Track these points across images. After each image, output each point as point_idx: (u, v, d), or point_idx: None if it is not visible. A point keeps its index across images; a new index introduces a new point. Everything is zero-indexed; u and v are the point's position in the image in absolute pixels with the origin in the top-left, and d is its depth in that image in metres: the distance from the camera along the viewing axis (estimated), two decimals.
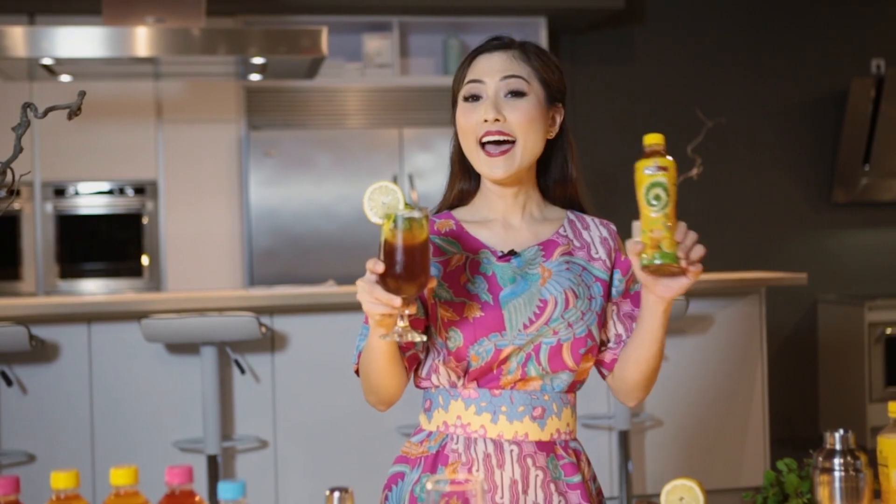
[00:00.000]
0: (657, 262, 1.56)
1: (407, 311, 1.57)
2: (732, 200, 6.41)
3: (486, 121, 1.73)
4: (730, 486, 4.51)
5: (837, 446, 1.61)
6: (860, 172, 6.42)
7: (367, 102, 5.93)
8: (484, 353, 1.71)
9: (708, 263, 5.68)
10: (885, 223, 6.67)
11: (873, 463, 1.62)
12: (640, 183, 1.58)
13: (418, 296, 1.61)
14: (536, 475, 1.72)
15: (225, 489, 1.19)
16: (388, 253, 1.54)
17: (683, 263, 1.57)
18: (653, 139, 1.59)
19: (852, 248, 6.62)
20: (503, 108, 1.74)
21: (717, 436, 4.60)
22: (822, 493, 1.61)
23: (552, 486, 1.73)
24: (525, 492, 1.71)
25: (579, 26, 6.19)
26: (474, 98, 1.77)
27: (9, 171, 1.56)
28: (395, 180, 5.68)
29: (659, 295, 1.63)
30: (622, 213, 5.83)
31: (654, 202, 1.56)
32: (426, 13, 5.88)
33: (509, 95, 1.75)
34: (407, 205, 1.57)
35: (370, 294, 1.55)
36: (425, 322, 1.75)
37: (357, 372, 1.81)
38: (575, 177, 1.87)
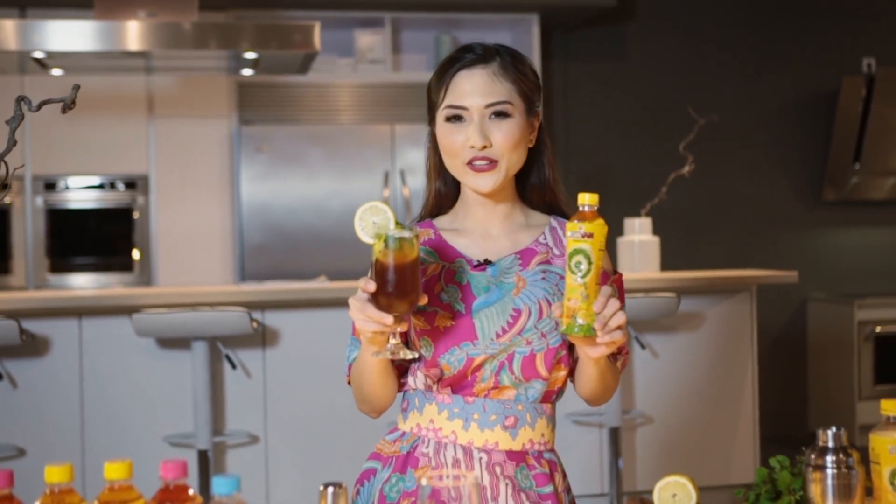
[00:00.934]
0: (571, 332, 1.56)
1: (399, 329, 1.61)
2: (723, 198, 6.42)
3: (472, 147, 1.73)
4: (719, 483, 4.52)
5: (830, 444, 1.62)
6: (850, 171, 6.44)
7: (359, 98, 5.92)
8: (456, 362, 1.71)
9: (699, 261, 5.66)
10: (875, 222, 6.69)
11: (864, 460, 1.63)
12: (567, 245, 1.57)
13: (409, 313, 1.63)
14: (506, 484, 1.72)
15: (220, 484, 1.19)
16: (380, 272, 1.58)
17: (599, 335, 1.55)
18: (584, 199, 1.56)
19: (842, 246, 6.64)
20: (489, 132, 1.73)
21: (708, 433, 4.61)
22: (814, 490, 1.61)
23: (522, 496, 1.73)
24: (494, 499, 1.71)
25: (571, 23, 6.19)
26: (457, 118, 1.75)
27: (3, 165, 1.55)
28: (386, 177, 5.68)
29: (583, 354, 1.67)
30: (613, 211, 5.80)
31: (575, 269, 1.55)
32: (418, 9, 5.87)
33: (493, 116, 1.74)
34: (398, 224, 1.59)
35: (362, 312, 1.58)
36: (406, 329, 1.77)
37: (349, 382, 1.83)
38: (553, 180, 1.85)
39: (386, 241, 1.57)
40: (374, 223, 1.59)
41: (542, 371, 1.72)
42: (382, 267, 1.57)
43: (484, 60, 1.76)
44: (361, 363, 1.74)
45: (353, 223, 1.60)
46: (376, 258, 1.58)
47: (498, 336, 1.71)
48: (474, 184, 1.76)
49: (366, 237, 1.60)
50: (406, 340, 1.76)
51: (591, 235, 1.53)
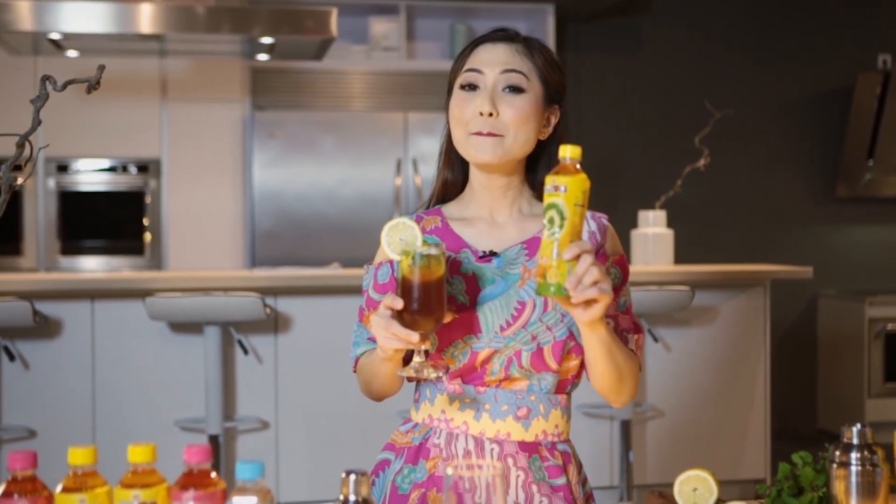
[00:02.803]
0: (546, 291, 1.47)
1: (424, 347, 1.59)
2: (736, 192, 6.40)
3: (480, 114, 1.70)
4: (730, 478, 4.51)
5: (855, 440, 1.60)
6: (864, 168, 6.41)
7: (373, 86, 5.91)
8: (460, 356, 1.69)
9: (712, 255, 5.62)
10: (888, 219, 6.67)
11: (888, 457, 1.62)
12: (544, 200, 1.48)
13: (434, 331, 1.61)
14: (518, 475, 1.70)
15: (244, 469, 1.19)
16: (406, 289, 1.56)
17: (572, 294, 1.46)
18: (566, 151, 1.47)
19: (854, 243, 6.62)
20: (499, 102, 1.70)
21: (719, 427, 4.60)
22: (837, 486, 1.60)
23: (534, 488, 1.71)
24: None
25: (587, 14, 6.17)
26: (471, 87, 1.73)
27: (27, 145, 1.54)
28: (398, 165, 5.67)
29: (579, 325, 1.59)
30: (625, 204, 5.78)
31: (548, 225, 1.47)
32: None
33: (507, 90, 1.71)
34: (425, 242, 1.58)
35: (386, 329, 1.55)
36: None
37: (355, 370, 1.82)
38: None
39: (413, 258, 1.55)
40: (400, 240, 1.58)
41: (552, 364, 1.70)
42: (409, 284, 1.55)
43: (510, 39, 1.76)
44: (374, 366, 1.72)
45: (381, 239, 1.59)
46: (403, 275, 1.56)
47: (502, 329, 1.68)
48: (475, 152, 1.72)
49: (393, 254, 1.59)
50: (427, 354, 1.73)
51: (565, 189, 1.45)
